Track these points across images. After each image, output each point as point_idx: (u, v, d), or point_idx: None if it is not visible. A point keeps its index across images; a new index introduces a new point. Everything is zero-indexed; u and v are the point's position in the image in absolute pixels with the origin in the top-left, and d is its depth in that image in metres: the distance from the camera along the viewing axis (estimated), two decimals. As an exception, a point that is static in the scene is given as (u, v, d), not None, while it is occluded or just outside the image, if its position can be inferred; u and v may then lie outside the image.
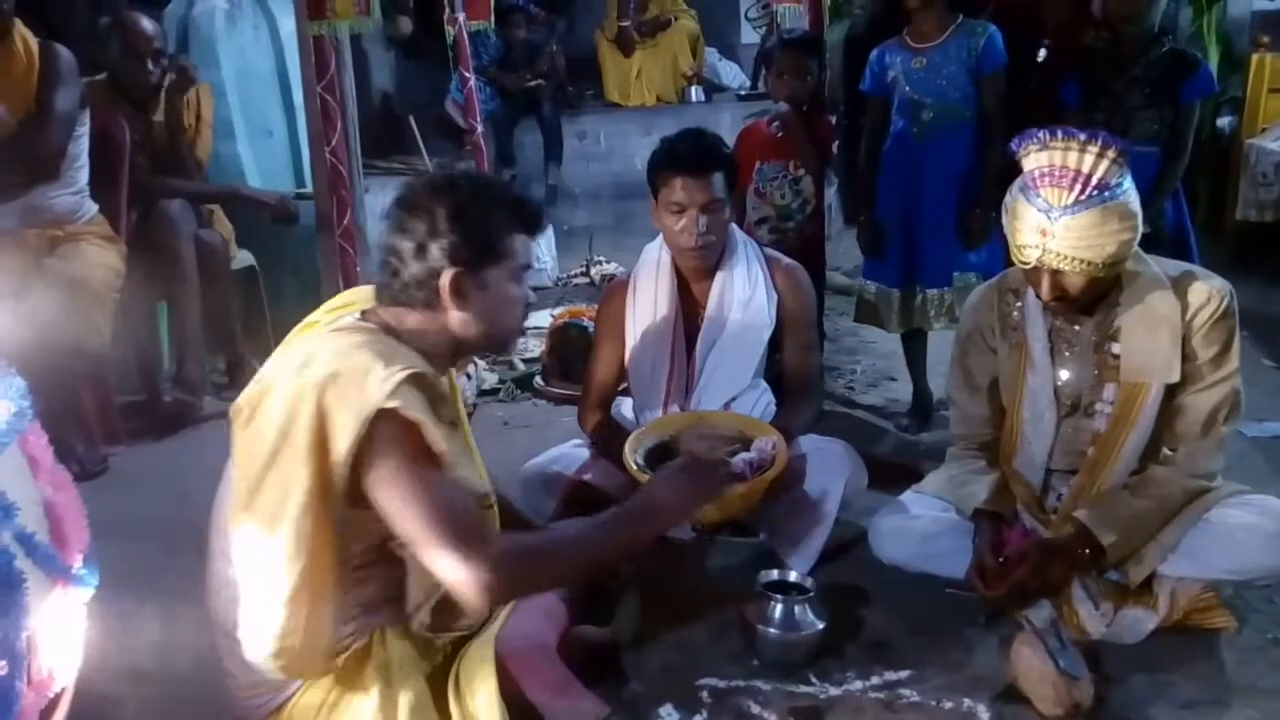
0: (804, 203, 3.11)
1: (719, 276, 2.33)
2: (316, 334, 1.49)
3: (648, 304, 2.36)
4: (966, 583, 1.94)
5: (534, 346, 3.60)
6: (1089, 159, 1.71)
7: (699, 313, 2.35)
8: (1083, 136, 1.73)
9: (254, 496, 1.38)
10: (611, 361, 2.43)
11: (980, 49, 2.75)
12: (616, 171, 6.27)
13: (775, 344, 2.38)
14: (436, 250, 1.46)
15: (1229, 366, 1.84)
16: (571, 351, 3.33)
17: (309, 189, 3.58)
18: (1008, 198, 1.84)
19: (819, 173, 3.12)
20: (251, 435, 1.40)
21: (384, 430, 1.35)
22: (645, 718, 1.74)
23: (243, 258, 3.63)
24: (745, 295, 2.32)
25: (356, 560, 1.46)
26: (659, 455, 2.15)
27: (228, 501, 1.48)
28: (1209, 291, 1.83)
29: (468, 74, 4.38)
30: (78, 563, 1.28)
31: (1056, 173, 1.73)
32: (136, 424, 3.19)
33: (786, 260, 2.45)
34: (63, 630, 1.21)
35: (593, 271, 4.68)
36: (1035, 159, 1.77)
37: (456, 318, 1.50)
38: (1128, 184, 1.75)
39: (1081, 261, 1.73)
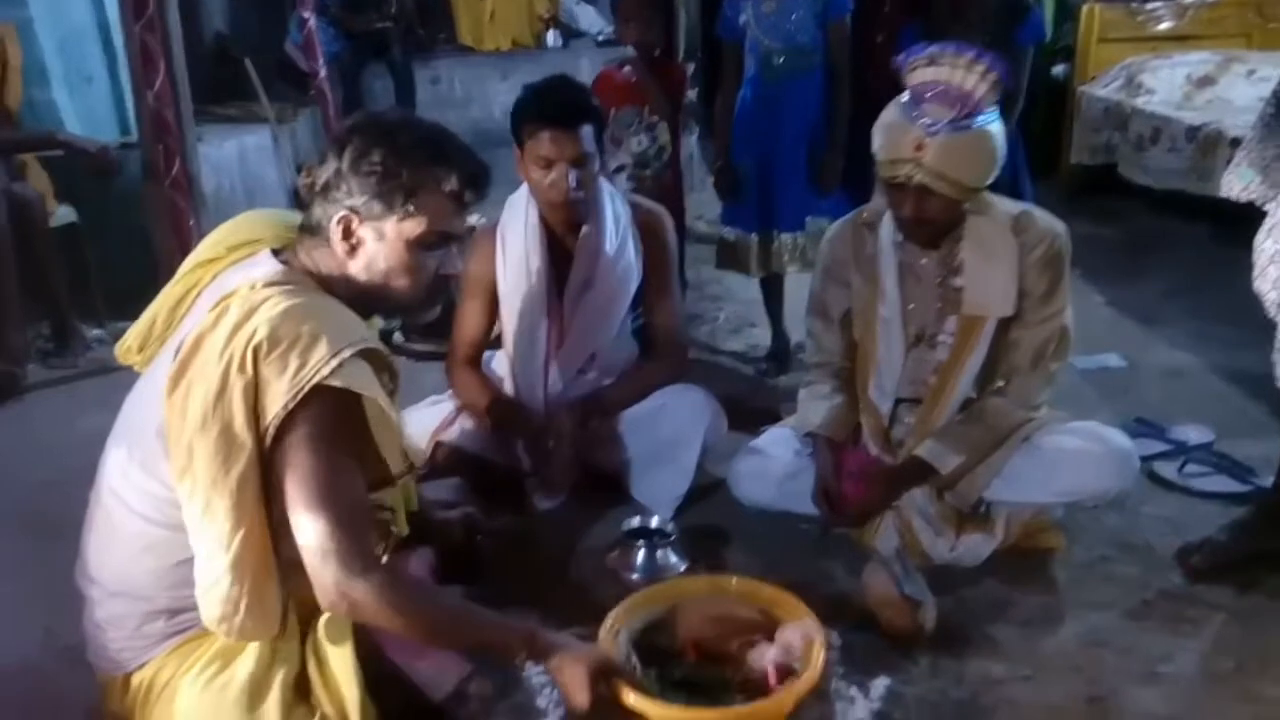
0: (661, 149, 3.09)
1: (587, 229, 2.25)
2: (244, 286, 1.36)
3: (518, 259, 2.27)
4: (813, 505, 2.02)
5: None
6: (973, 79, 1.74)
7: (568, 265, 2.28)
8: (971, 54, 1.75)
9: (191, 460, 1.30)
10: (481, 316, 2.34)
11: (827, -7, 2.78)
12: (474, 118, 6.09)
13: (640, 294, 2.35)
14: (337, 188, 1.39)
15: (1057, 304, 1.94)
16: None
17: (135, 138, 3.33)
18: (884, 114, 1.86)
19: (673, 119, 3.11)
20: (183, 397, 1.31)
21: (314, 404, 1.29)
22: (509, 673, 1.72)
23: (63, 214, 3.36)
24: (614, 246, 2.26)
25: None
26: (650, 640, 1.62)
27: (125, 445, 1.40)
28: (1042, 231, 1.91)
29: (306, 14, 4.13)
30: None
31: (941, 89, 1.75)
32: (-50, 397, 2.95)
33: (649, 205, 2.40)
34: None
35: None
36: (921, 74, 1.78)
37: (349, 264, 1.42)
38: (996, 112, 1.81)
39: (951, 182, 1.77)
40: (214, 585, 1.32)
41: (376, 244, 1.41)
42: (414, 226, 1.40)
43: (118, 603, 1.42)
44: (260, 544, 1.33)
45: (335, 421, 1.32)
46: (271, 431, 1.30)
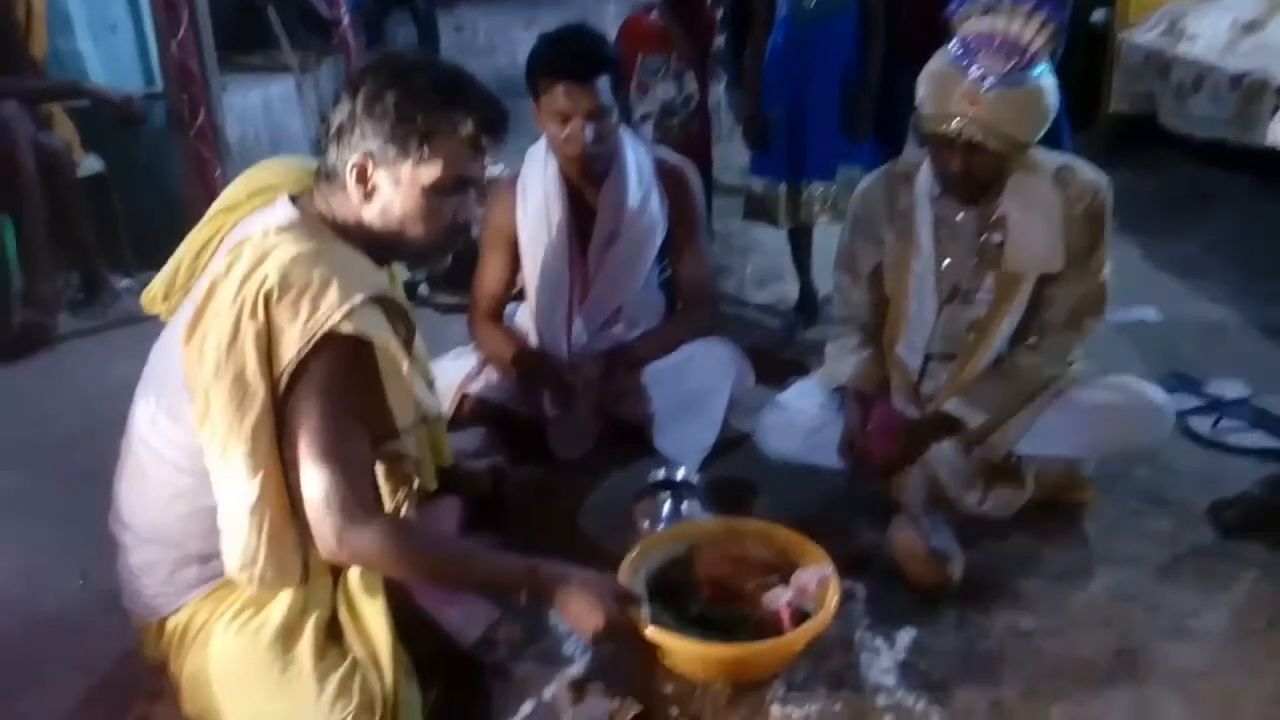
0: (688, 98, 3.04)
1: (609, 182, 2.20)
2: (259, 232, 1.36)
3: (539, 212, 2.23)
4: (839, 458, 2.00)
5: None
6: (1031, 30, 1.68)
7: (590, 218, 2.24)
8: (1028, 5, 1.69)
9: (209, 407, 1.31)
10: (501, 270, 2.31)
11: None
12: (499, 66, 6.01)
13: (666, 247, 2.32)
14: (352, 131, 1.36)
15: (1098, 259, 1.89)
16: (458, 259, 3.22)
17: (160, 88, 3.33)
18: (931, 64, 1.79)
19: (701, 66, 3.05)
20: (199, 344, 1.32)
21: (328, 351, 1.29)
22: (537, 617, 1.74)
23: (89, 164, 3.35)
24: (637, 199, 2.22)
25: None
26: (666, 578, 1.67)
27: (153, 393, 1.41)
28: (1086, 184, 1.86)
29: (327, -40, 4.09)
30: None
31: (997, 40, 1.68)
32: (-15, 347, 2.99)
33: (674, 157, 2.36)
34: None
35: (477, 174, 4.52)
36: (975, 24, 1.72)
37: (365, 209, 1.40)
38: (1050, 64, 1.75)
39: (1002, 138, 1.71)
40: (234, 533, 1.34)
41: (392, 189, 1.38)
42: (430, 172, 1.37)
43: (150, 549, 1.44)
44: (277, 491, 1.34)
45: (347, 370, 1.32)
46: (285, 379, 1.30)
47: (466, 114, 1.38)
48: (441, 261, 1.60)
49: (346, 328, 1.28)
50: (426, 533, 1.55)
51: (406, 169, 1.37)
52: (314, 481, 1.32)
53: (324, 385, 1.31)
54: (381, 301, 1.35)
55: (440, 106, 1.36)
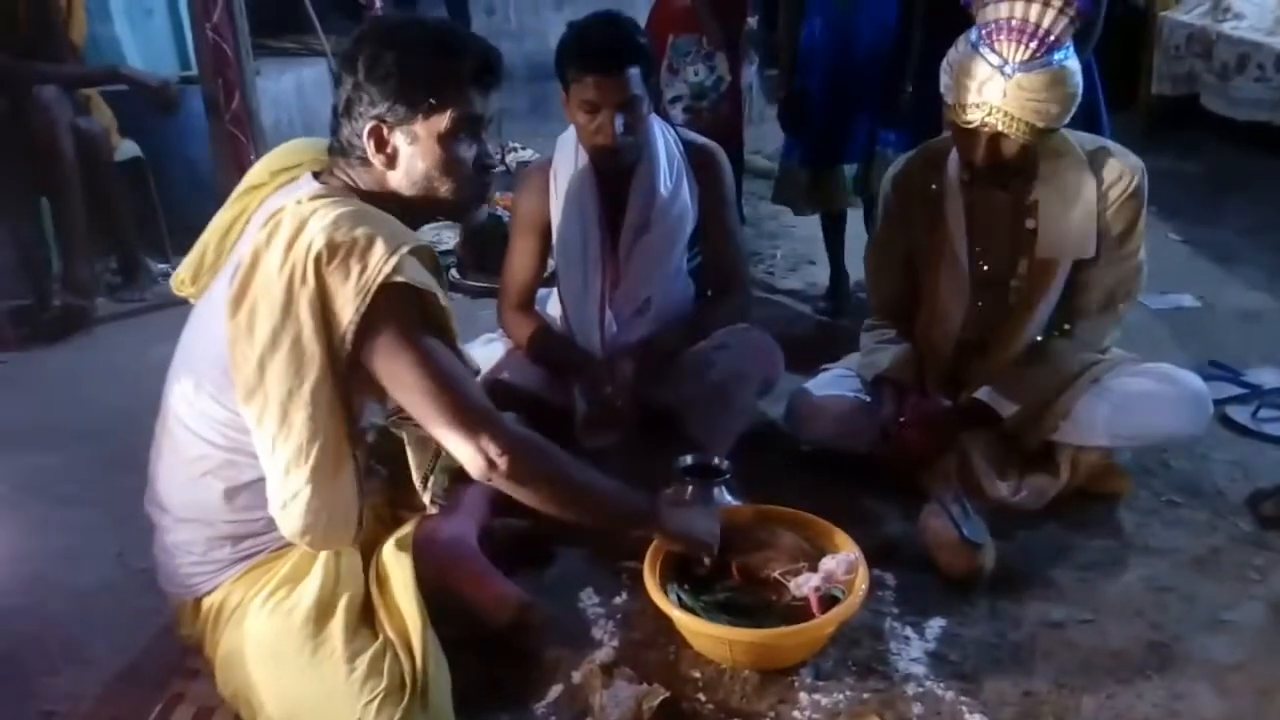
0: (719, 80, 3.02)
1: (639, 171, 2.18)
2: (291, 204, 1.38)
3: (571, 200, 2.21)
4: (872, 449, 1.99)
5: (448, 238, 3.49)
6: (1050, 14, 1.66)
7: (621, 208, 2.21)
8: None
9: (263, 379, 1.33)
10: (532, 256, 2.29)
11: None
12: (529, 51, 6.02)
13: (696, 232, 2.29)
14: (359, 101, 1.38)
15: (1132, 245, 1.86)
16: (487, 242, 3.23)
17: (195, 72, 3.35)
18: (951, 53, 1.77)
19: (732, 48, 3.02)
20: (248, 315, 1.34)
21: (386, 302, 1.32)
22: (567, 601, 1.75)
23: (127, 148, 3.40)
24: (668, 188, 2.19)
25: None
26: (694, 563, 1.67)
27: (187, 372, 1.43)
28: (1121, 169, 1.83)
29: (361, -55, 4.11)
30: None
31: (1015, 26, 1.66)
32: (25, 330, 3.04)
33: (702, 141, 2.33)
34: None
35: (508, 158, 4.53)
36: (994, 10, 1.70)
37: (390, 176, 1.42)
38: (1073, 47, 1.72)
39: (1026, 124, 1.69)
40: (294, 498, 1.36)
41: (411, 148, 1.40)
42: (442, 120, 1.39)
43: (185, 529, 1.46)
44: (336, 452, 1.37)
45: (413, 311, 1.35)
46: (349, 339, 1.32)
47: (463, 58, 1.40)
48: (477, 211, 1.60)
49: (398, 278, 1.31)
50: (559, 450, 1.58)
51: (420, 124, 1.39)
52: (440, 418, 1.36)
53: (399, 328, 1.34)
54: (418, 253, 1.38)
55: (437, 55, 1.39)
